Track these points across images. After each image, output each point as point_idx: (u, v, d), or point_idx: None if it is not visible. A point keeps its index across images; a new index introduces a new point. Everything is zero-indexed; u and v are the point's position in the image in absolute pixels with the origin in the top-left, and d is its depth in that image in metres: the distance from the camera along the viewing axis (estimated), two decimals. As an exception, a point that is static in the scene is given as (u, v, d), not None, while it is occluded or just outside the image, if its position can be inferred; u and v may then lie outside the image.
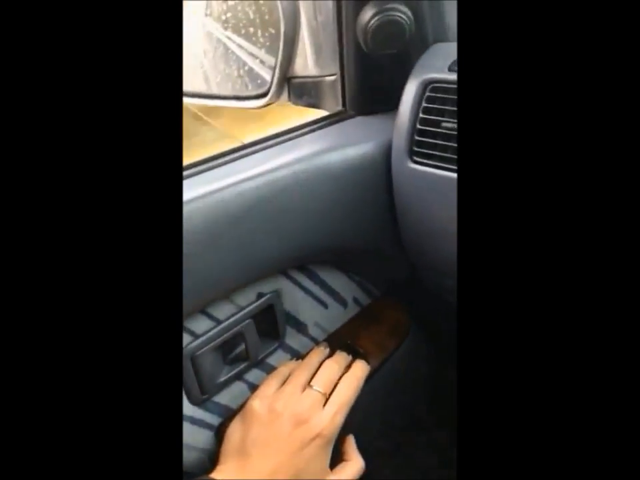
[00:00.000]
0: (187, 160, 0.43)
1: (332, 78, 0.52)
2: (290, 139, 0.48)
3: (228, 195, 0.40)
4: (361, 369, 0.49)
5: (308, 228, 0.45)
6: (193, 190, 0.39)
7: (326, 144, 0.47)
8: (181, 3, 0.28)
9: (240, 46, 0.57)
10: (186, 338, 0.42)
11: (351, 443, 0.48)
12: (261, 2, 0.52)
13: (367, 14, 0.45)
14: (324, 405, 0.45)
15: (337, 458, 0.46)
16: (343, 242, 0.48)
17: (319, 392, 0.46)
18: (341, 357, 0.50)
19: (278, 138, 0.48)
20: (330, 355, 0.51)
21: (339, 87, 0.52)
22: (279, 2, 0.49)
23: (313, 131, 0.49)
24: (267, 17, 0.52)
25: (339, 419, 0.45)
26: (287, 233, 0.44)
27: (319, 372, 0.48)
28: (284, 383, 0.47)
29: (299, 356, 0.52)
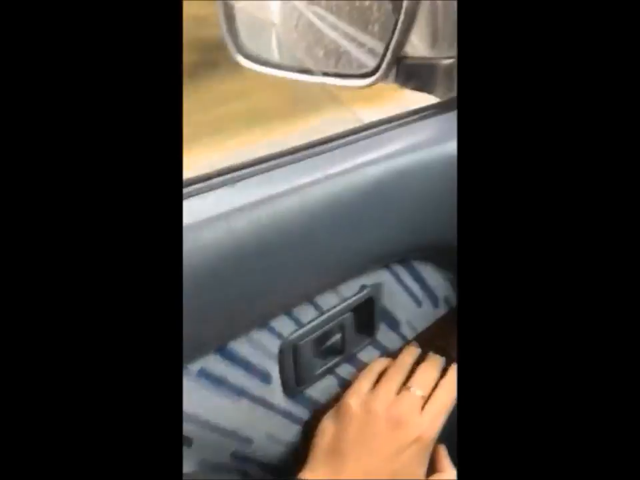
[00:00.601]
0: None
1: (448, 62, 0.49)
2: (407, 123, 0.45)
3: (354, 177, 0.37)
4: (454, 371, 0.46)
5: (418, 220, 0.42)
6: (318, 169, 0.36)
7: (442, 132, 0.44)
8: (181, 3, 0.27)
9: (339, 27, 0.54)
10: (291, 326, 0.40)
11: (444, 453, 0.45)
12: (382, -26, 0.48)
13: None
14: (422, 409, 0.43)
15: (429, 468, 0.44)
16: (446, 238, 0.45)
17: (417, 394, 0.43)
18: (437, 360, 0.47)
19: (393, 122, 0.45)
20: (422, 356, 0.49)
21: (455, 72, 0.49)
22: (404, -25, 0.45)
23: (428, 116, 0.46)
24: (385, -9, 0.48)
25: (438, 424, 0.43)
26: (400, 223, 0.41)
27: (416, 373, 0.45)
28: (377, 381, 0.45)
29: (388, 353, 0.49)
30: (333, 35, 0.58)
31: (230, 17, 0.53)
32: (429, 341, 0.51)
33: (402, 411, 0.41)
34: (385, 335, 0.48)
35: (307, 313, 0.41)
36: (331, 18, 0.59)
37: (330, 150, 0.39)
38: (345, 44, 0.56)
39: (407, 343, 0.50)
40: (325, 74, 0.54)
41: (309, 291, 0.39)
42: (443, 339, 0.51)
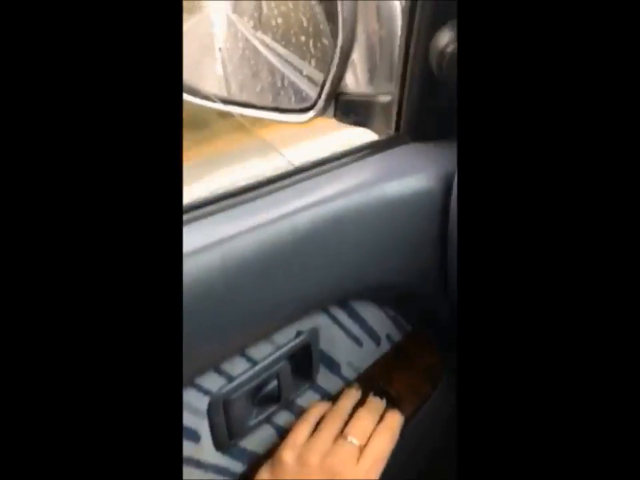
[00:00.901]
0: (230, 181, 0.39)
1: (386, 98, 0.48)
2: (340, 166, 0.44)
3: (281, 228, 0.35)
4: (396, 420, 0.45)
5: (358, 263, 0.41)
6: (243, 220, 0.35)
7: (382, 172, 0.43)
8: (181, 3, 0.27)
9: (284, 56, 0.53)
10: (220, 381, 0.38)
11: None
12: (318, 10, 0.48)
13: (445, 37, 0.41)
14: (358, 458, 0.42)
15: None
16: (389, 277, 0.45)
17: (354, 444, 0.42)
18: (375, 404, 0.46)
19: (329, 163, 0.44)
20: (362, 398, 0.47)
21: (394, 109, 0.48)
22: (340, 12, 0.45)
23: (366, 156, 0.45)
24: (321, 27, 0.48)
25: (376, 473, 0.41)
26: (336, 267, 0.40)
27: (352, 421, 0.44)
28: (315, 429, 0.43)
29: (329, 397, 0.48)
30: (277, 62, 0.57)
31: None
32: (371, 381, 0.50)
33: (337, 461, 0.40)
34: (324, 378, 0.47)
35: (237, 366, 0.39)
36: (277, 46, 0.58)
37: (260, 196, 0.38)
38: (289, 73, 0.55)
39: (348, 384, 0.49)
40: (264, 108, 0.53)
41: (239, 344, 0.37)
42: (385, 378, 0.50)
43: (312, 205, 0.38)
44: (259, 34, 0.59)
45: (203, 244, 0.32)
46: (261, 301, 0.35)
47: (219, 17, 0.65)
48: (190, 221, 0.34)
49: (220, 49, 0.69)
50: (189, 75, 0.54)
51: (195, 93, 0.53)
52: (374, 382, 0.49)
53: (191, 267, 0.31)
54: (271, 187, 0.39)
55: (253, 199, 0.37)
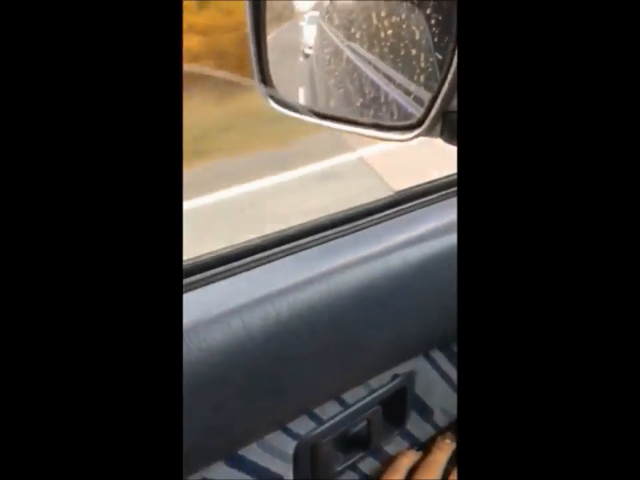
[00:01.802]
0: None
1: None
2: (447, 196, 0.40)
3: (371, 268, 0.32)
4: None
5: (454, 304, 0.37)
6: (331, 259, 0.31)
7: None
8: (181, 3, 0.26)
9: (388, 72, 0.50)
10: (310, 424, 0.35)
11: None
12: (433, 21, 0.44)
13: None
14: None
15: None
16: None
17: None
18: None
19: (437, 193, 0.40)
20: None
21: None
22: (454, 24, 0.41)
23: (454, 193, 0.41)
24: (436, 40, 0.44)
25: None
26: (433, 311, 0.36)
27: (450, 474, 0.40)
28: None
29: (418, 444, 0.44)
30: (380, 78, 0.54)
31: (262, 60, 0.49)
32: None
33: None
34: (415, 424, 0.43)
35: (329, 410, 0.36)
36: (381, 62, 0.55)
37: (356, 230, 0.34)
38: (388, 89, 0.52)
39: (439, 432, 0.45)
40: (364, 124, 0.50)
41: (334, 389, 0.34)
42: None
43: (423, 237, 0.34)
44: (364, 48, 0.57)
45: (304, 278, 0.29)
46: (359, 344, 0.32)
47: (311, 25, 0.63)
48: (289, 253, 0.31)
49: (307, 55, 0.67)
50: (284, 89, 0.52)
51: (292, 108, 0.51)
52: None
53: (293, 302, 0.28)
54: (378, 216, 0.36)
55: (348, 232, 0.34)
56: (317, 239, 0.32)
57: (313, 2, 0.67)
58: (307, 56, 0.67)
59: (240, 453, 0.32)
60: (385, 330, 0.33)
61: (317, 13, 0.67)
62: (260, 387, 0.28)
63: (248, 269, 0.29)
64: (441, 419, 0.45)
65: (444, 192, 0.39)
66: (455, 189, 0.40)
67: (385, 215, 0.36)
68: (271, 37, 0.62)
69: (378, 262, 0.32)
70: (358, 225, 0.34)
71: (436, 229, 0.36)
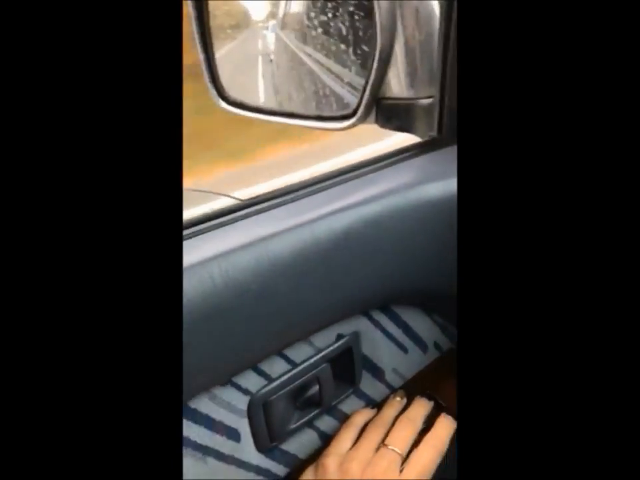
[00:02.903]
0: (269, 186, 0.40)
1: (427, 101, 0.48)
2: (381, 168, 0.44)
3: (318, 229, 0.36)
4: (445, 428, 0.43)
5: (397, 266, 0.41)
6: (281, 221, 0.35)
7: (422, 174, 0.43)
8: (181, 3, 0.27)
9: (324, 64, 0.54)
10: (260, 381, 0.39)
11: None
12: (357, 17, 0.48)
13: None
14: (401, 468, 0.41)
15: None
16: (432, 282, 0.44)
17: (395, 452, 0.41)
18: (418, 409, 0.45)
19: (368, 166, 0.44)
20: (407, 406, 0.46)
21: (435, 112, 0.48)
22: (377, 17, 0.45)
23: (407, 159, 0.45)
24: (360, 34, 0.48)
25: None
26: (374, 271, 0.39)
27: (394, 428, 0.43)
28: (358, 437, 0.43)
29: (373, 403, 0.47)
30: (319, 72, 0.58)
31: (210, 65, 0.54)
32: (417, 389, 0.48)
33: (378, 472, 0.39)
34: (368, 384, 0.47)
35: (277, 367, 0.39)
36: (319, 56, 0.59)
37: (298, 199, 0.38)
38: (330, 82, 0.56)
39: (394, 391, 0.48)
40: (307, 117, 0.54)
41: (276, 346, 0.37)
42: (433, 386, 0.49)
43: (350, 206, 0.38)
44: (303, 46, 0.61)
45: (239, 244, 0.33)
46: (297, 302, 0.35)
47: (267, 32, 0.68)
48: (227, 223, 0.35)
49: (271, 60, 0.71)
50: (236, 89, 0.56)
51: (241, 106, 0.55)
52: (420, 390, 0.48)
53: (226, 267, 0.32)
54: (309, 189, 0.39)
55: (291, 201, 0.38)
56: (261, 208, 0.36)
57: (267, 11, 0.72)
58: (266, 60, 0.72)
59: (192, 406, 0.35)
60: (322, 288, 0.36)
61: (274, 22, 0.72)
62: (203, 343, 0.32)
63: (187, 238, 0.33)
64: (393, 379, 0.48)
65: (370, 167, 0.43)
66: (380, 164, 0.44)
67: (317, 188, 0.40)
68: (233, 44, 0.66)
69: (321, 223, 0.36)
70: (292, 197, 0.38)
71: (380, 193, 0.40)
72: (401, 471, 0.40)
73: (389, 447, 0.41)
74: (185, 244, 0.33)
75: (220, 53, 0.54)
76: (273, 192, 0.38)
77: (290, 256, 0.34)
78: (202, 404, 0.36)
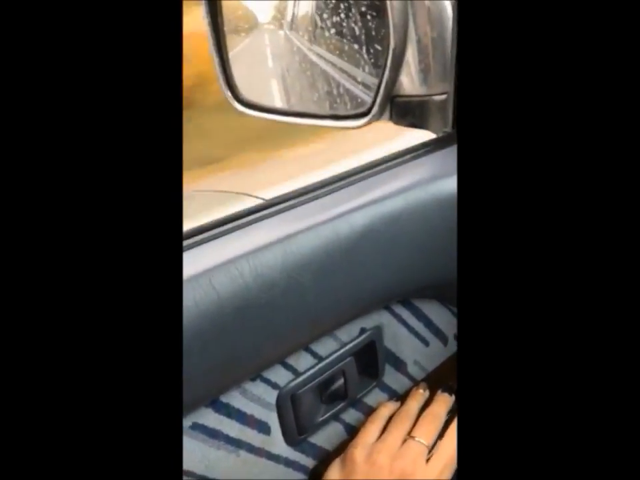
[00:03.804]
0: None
1: (441, 97, 0.49)
2: (398, 164, 0.44)
3: (340, 226, 0.37)
4: None
5: (416, 261, 0.42)
6: (304, 219, 0.36)
7: (438, 170, 0.44)
8: (181, 3, 0.27)
9: (336, 64, 0.55)
10: (288, 375, 0.40)
11: None
12: (369, 17, 0.49)
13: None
14: (428, 459, 0.41)
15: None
16: (450, 275, 0.44)
17: (422, 443, 0.42)
18: (442, 403, 0.46)
19: (385, 163, 0.45)
20: (430, 398, 0.47)
21: (449, 107, 0.48)
22: (390, 17, 0.46)
23: (423, 155, 0.46)
24: (373, 33, 0.49)
25: (447, 474, 0.41)
26: (395, 265, 0.40)
27: (420, 421, 0.44)
28: (384, 429, 0.44)
29: (397, 396, 0.48)
30: (332, 71, 0.59)
31: (224, 67, 0.55)
32: (439, 381, 0.49)
33: (406, 463, 0.40)
34: (391, 377, 0.47)
35: (303, 361, 0.40)
36: (331, 56, 0.60)
37: (319, 197, 0.39)
38: (344, 81, 0.57)
39: (416, 383, 0.49)
40: (321, 117, 0.55)
41: (303, 340, 0.38)
42: (454, 378, 0.50)
43: (369, 203, 0.39)
44: (315, 47, 0.62)
45: (265, 242, 0.34)
46: (322, 296, 0.36)
47: (275, 35, 0.69)
48: (252, 222, 0.36)
49: (282, 62, 0.72)
50: (249, 91, 0.57)
51: (255, 107, 0.56)
52: (442, 382, 0.49)
53: (254, 264, 0.33)
54: (329, 187, 0.40)
55: (312, 200, 0.39)
56: (276, 210, 0.37)
57: (272, 13, 0.73)
58: (278, 62, 0.73)
59: (224, 400, 0.36)
60: (344, 283, 0.37)
61: (285, 24, 0.73)
62: (235, 339, 0.33)
63: (215, 238, 0.34)
64: (415, 372, 0.49)
65: (388, 164, 0.44)
66: (397, 160, 0.45)
67: (337, 186, 0.41)
68: (246, 47, 0.67)
69: (342, 220, 0.37)
70: (313, 196, 0.39)
71: (399, 189, 0.40)
72: (427, 461, 0.41)
73: (416, 438, 0.42)
74: (214, 243, 0.34)
75: (233, 56, 0.55)
76: (294, 191, 0.39)
77: (313, 252, 0.35)
78: (233, 398, 0.37)
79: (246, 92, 0.56)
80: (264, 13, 0.73)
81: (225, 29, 0.54)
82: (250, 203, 0.39)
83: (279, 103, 0.62)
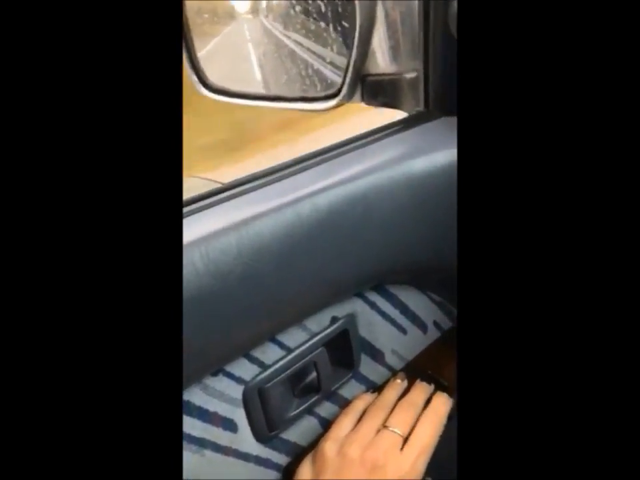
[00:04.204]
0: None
1: (412, 75, 0.47)
2: (367, 144, 0.42)
3: (302, 208, 0.35)
4: (442, 404, 0.43)
5: (387, 243, 0.40)
6: (263, 203, 0.34)
7: (409, 148, 0.42)
8: (181, 3, 0.26)
9: (305, 45, 0.53)
10: (254, 369, 0.38)
11: None
12: (334, -7, 0.47)
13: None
14: (402, 448, 0.40)
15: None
16: (425, 258, 0.43)
17: (396, 433, 0.40)
18: (420, 392, 0.44)
19: (354, 143, 0.43)
20: (409, 388, 0.45)
21: (421, 85, 0.46)
22: (354, -7, 0.44)
23: (393, 134, 0.44)
24: (340, 10, 0.47)
25: (421, 463, 0.39)
26: (364, 249, 0.38)
27: (395, 410, 0.42)
28: (358, 421, 0.42)
29: (374, 387, 0.46)
30: (301, 53, 0.57)
31: (190, 52, 0.53)
32: (418, 370, 0.47)
33: (379, 453, 0.38)
34: (368, 367, 0.46)
35: (271, 353, 0.38)
36: (299, 37, 0.59)
37: (279, 179, 0.37)
38: (313, 62, 0.55)
39: (395, 373, 0.47)
40: (290, 99, 0.53)
41: (264, 330, 0.36)
42: (434, 366, 0.48)
43: (335, 184, 0.37)
44: (288, 31, 0.60)
45: (219, 227, 0.32)
46: (284, 283, 0.34)
47: (253, 23, 0.67)
48: (207, 207, 0.34)
49: (255, 48, 0.71)
50: (228, 80, 0.55)
51: (223, 92, 0.54)
52: (422, 371, 0.47)
53: (207, 250, 0.31)
54: (292, 169, 0.38)
55: (274, 182, 0.37)
56: (243, 190, 0.35)
57: (250, 2, 0.71)
58: (251, 48, 0.71)
59: (184, 398, 0.34)
60: (308, 268, 0.35)
61: (258, 10, 0.71)
62: (187, 328, 0.31)
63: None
64: (394, 361, 0.47)
65: (357, 144, 0.42)
66: (367, 140, 0.43)
67: (303, 166, 0.39)
68: (219, 37, 0.66)
69: (305, 202, 0.35)
70: (276, 177, 0.37)
71: (367, 169, 0.39)
72: (401, 451, 0.39)
73: (390, 428, 0.40)
74: None
75: (214, 46, 0.53)
76: (254, 174, 0.37)
77: (273, 237, 0.33)
78: (194, 395, 0.35)
79: (226, 79, 0.54)
80: (242, 3, 0.72)
81: (205, 16, 0.52)
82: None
83: (251, 87, 0.60)
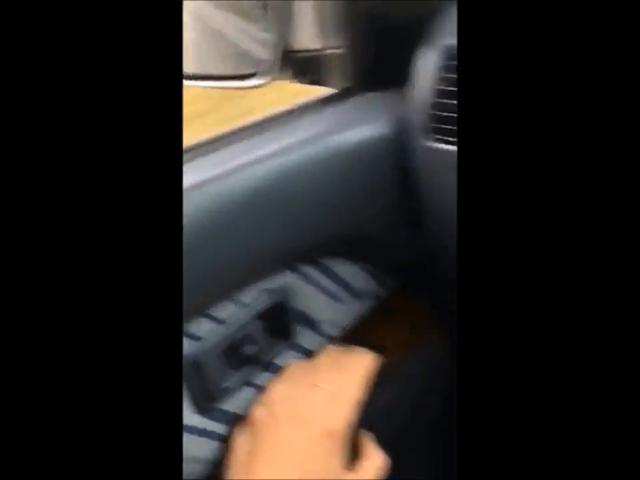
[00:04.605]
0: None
1: (338, 51, 0.48)
2: (294, 119, 0.43)
3: (232, 182, 0.35)
4: (369, 360, 0.44)
5: (318, 216, 0.41)
6: (192, 175, 0.35)
7: (336, 123, 0.43)
8: (181, 2, 0.28)
9: (231, 22, 0.53)
10: (187, 343, 0.38)
11: (367, 440, 0.44)
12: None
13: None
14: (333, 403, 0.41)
15: (354, 457, 0.42)
16: (355, 230, 0.44)
17: (326, 389, 0.41)
18: (351, 354, 0.46)
19: (281, 118, 0.43)
20: (344, 353, 0.47)
21: (347, 61, 0.47)
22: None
23: (319, 109, 0.45)
24: (264, -14, 0.47)
25: (348, 415, 0.41)
26: (295, 222, 0.40)
27: (324, 369, 0.43)
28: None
29: (311, 355, 0.48)
30: (230, 31, 0.57)
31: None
32: (354, 337, 0.49)
33: (307, 409, 0.40)
34: (305, 337, 0.47)
35: (204, 327, 0.39)
36: (229, 15, 0.58)
37: (203, 154, 0.38)
38: (241, 40, 0.55)
39: (333, 342, 0.49)
40: (218, 77, 0.53)
41: (195, 302, 0.37)
42: (370, 333, 0.50)
43: (262, 158, 0.38)
44: (219, 11, 0.59)
45: None
46: (212, 258, 0.35)
47: (184, 4, 0.66)
48: None
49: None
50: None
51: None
52: (358, 338, 0.49)
53: None
54: (218, 144, 0.39)
55: (198, 157, 0.37)
56: None
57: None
58: (189, 32, 0.70)
59: None
60: (238, 244, 0.36)
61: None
62: None
63: None
64: (330, 329, 0.49)
65: (282, 119, 0.43)
66: (292, 115, 0.43)
67: (232, 139, 0.39)
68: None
69: (234, 176, 0.36)
70: (206, 150, 0.38)
71: (295, 143, 0.39)
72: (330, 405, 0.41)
73: (320, 385, 0.41)
74: None
75: None
76: (187, 146, 0.38)
77: (198, 212, 0.34)
78: None
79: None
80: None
81: None
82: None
83: (189, 68, 0.59)
